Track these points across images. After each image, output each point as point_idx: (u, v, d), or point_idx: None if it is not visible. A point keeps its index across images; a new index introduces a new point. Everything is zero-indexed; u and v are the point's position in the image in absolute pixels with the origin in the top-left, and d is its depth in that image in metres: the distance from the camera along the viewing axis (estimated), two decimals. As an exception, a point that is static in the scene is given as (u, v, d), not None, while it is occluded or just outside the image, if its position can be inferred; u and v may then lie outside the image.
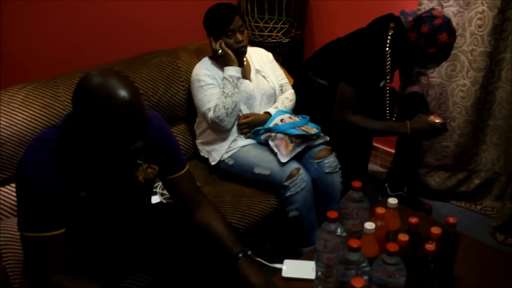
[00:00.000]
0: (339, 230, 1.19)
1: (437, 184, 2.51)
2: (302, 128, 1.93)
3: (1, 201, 1.61)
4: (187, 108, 2.13)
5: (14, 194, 1.32)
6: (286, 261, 1.42)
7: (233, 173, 1.96)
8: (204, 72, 1.93)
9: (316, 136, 1.94)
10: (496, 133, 2.33)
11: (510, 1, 2.06)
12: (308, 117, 2.01)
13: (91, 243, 1.30)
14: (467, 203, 2.49)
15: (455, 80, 2.30)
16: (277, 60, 2.29)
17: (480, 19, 2.12)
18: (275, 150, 1.86)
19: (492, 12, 2.07)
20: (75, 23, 2.23)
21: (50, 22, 2.15)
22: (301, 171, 1.82)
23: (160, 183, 1.81)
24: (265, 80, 2.06)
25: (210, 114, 1.89)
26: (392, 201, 1.33)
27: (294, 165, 1.83)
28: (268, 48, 2.26)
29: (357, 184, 1.31)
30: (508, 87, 2.21)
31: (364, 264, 1.10)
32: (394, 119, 2.12)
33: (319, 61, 2.18)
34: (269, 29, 2.71)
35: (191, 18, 2.36)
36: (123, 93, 1.04)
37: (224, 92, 1.89)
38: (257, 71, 2.07)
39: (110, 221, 1.30)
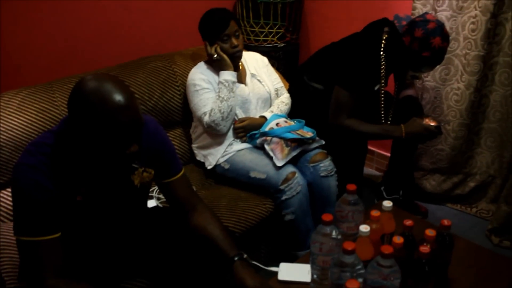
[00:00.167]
0: (334, 233, 1.20)
1: (433, 187, 2.52)
2: (298, 132, 1.94)
3: (-2, 206, 1.61)
4: (183, 113, 2.14)
5: (11, 199, 1.32)
6: (281, 264, 1.43)
7: (229, 177, 1.96)
8: (200, 76, 1.94)
9: (312, 140, 1.95)
10: (490, 136, 2.35)
11: (502, 5, 2.09)
12: (304, 121, 2.02)
13: (87, 247, 1.30)
14: (462, 206, 2.50)
15: (449, 84, 2.32)
16: (272, 64, 2.30)
17: (473, 23, 2.14)
18: (271, 154, 1.87)
19: (484, 16, 2.09)
20: (71, 29, 2.24)
21: (46, 27, 2.16)
22: (296, 174, 1.83)
23: (156, 187, 1.81)
24: (260, 84, 2.07)
25: (206, 118, 1.90)
26: (387, 204, 1.34)
27: (290, 168, 1.84)
28: (263, 53, 2.27)
29: (351, 187, 1.31)
30: (501, 90, 2.23)
31: (359, 267, 1.11)
32: (389, 122, 2.13)
33: (314, 66, 2.19)
34: (264, 33, 2.73)
35: (187, 23, 2.37)
36: (118, 97, 1.04)
37: (219, 96, 1.89)
38: (253, 75, 2.08)
39: (106, 225, 1.30)
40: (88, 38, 2.31)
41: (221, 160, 1.96)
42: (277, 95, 2.15)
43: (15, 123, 1.65)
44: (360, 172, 2.38)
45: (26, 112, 1.68)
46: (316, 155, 1.94)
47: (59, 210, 1.15)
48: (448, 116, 2.35)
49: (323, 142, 2.00)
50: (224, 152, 1.96)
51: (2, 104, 1.67)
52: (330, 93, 2.03)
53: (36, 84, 1.80)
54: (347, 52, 2.02)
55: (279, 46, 2.76)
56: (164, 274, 1.38)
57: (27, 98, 1.71)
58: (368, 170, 2.88)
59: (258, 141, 1.95)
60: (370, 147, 2.77)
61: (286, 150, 1.87)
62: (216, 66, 1.96)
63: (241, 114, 2.00)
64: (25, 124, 1.66)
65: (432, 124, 1.99)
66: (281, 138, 1.89)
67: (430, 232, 1.22)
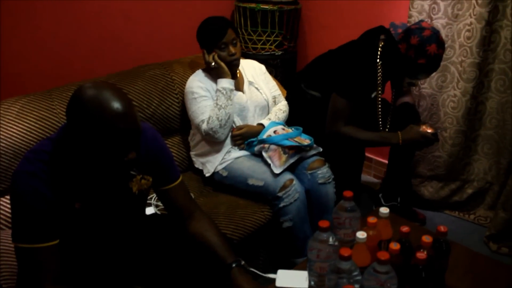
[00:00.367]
0: (331, 239, 1.21)
1: (430, 194, 2.53)
2: (295, 139, 1.95)
3: (-4, 214, 1.61)
4: (181, 120, 2.15)
5: (10, 206, 1.33)
6: (279, 271, 1.43)
7: (227, 184, 1.97)
8: (198, 84, 1.96)
9: (309, 147, 1.96)
10: (487, 143, 2.36)
11: (497, 13, 2.11)
12: (301, 128, 2.03)
13: (85, 254, 1.30)
14: (460, 212, 2.51)
15: (445, 91, 2.33)
16: (270, 72, 2.32)
17: (468, 30, 2.16)
18: (269, 161, 1.88)
19: (479, 24, 2.11)
20: (70, 37, 2.26)
21: (46, 36, 2.18)
22: (294, 182, 1.84)
23: (155, 195, 1.82)
24: (258, 92, 2.09)
25: (204, 126, 1.91)
26: (384, 210, 1.34)
27: (288, 176, 1.85)
28: (261, 61, 2.29)
29: (348, 193, 1.32)
30: (498, 97, 2.24)
31: (355, 273, 1.11)
32: (387, 129, 2.14)
33: (311, 73, 2.21)
34: (262, 41, 2.75)
35: (185, 31, 2.39)
36: (116, 105, 1.05)
37: (217, 104, 1.91)
38: (250, 83, 2.09)
39: (104, 232, 1.31)
40: (87, 46, 2.33)
41: (219, 167, 1.97)
42: (275, 103, 2.16)
43: (14, 130, 1.65)
44: (357, 179, 2.39)
45: (25, 120, 1.69)
46: (314, 162, 1.95)
47: (58, 217, 1.15)
48: (445, 123, 2.37)
49: (321, 149, 2.01)
50: (222, 159, 1.97)
51: (1, 111, 1.67)
52: (328, 100, 2.04)
53: (35, 92, 1.81)
54: (344, 59, 2.04)
55: (276, 54, 2.78)
56: (162, 281, 1.38)
57: (26, 106, 1.72)
58: (366, 177, 2.89)
59: (256, 148, 1.96)
60: (368, 154, 2.78)
61: (284, 157, 1.88)
62: (214, 74, 1.98)
63: (239, 122, 2.01)
64: (24, 131, 1.67)
65: (429, 131, 2.00)
66: (278, 145, 1.90)
67: (426, 239, 1.23)
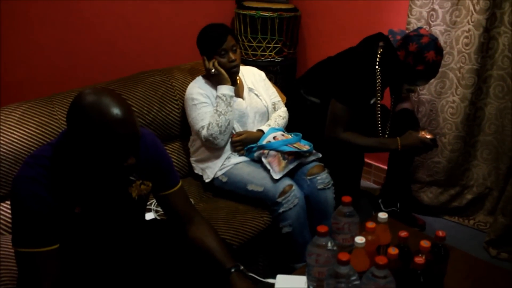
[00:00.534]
0: (329, 244, 1.21)
1: (430, 199, 2.53)
2: (295, 145, 1.96)
3: (-3, 219, 1.62)
4: (181, 126, 2.16)
5: (10, 211, 1.33)
6: (278, 276, 1.43)
7: (227, 190, 1.98)
8: (198, 90, 1.97)
9: (309, 153, 1.97)
10: (486, 149, 2.37)
11: (494, 20, 2.12)
12: (301, 134, 2.04)
13: (85, 259, 1.31)
14: (460, 218, 2.51)
15: (444, 97, 2.35)
16: (270, 79, 2.33)
17: (466, 37, 2.18)
18: (268, 167, 1.89)
19: (477, 30, 2.12)
20: (71, 44, 2.27)
21: (47, 43, 2.19)
22: (293, 187, 1.84)
23: (155, 200, 1.82)
24: (258, 98, 2.10)
25: (204, 132, 1.92)
26: (382, 215, 1.34)
27: (287, 181, 1.86)
28: (261, 67, 2.30)
29: (347, 199, 1.33)
30: (496, 103, 2.25)
31: (354, 278, 1.12)
32: (386, 135, 2.15)
33: (311, 80, 2.22)
34: (262, 48, 2.76)
35: (185, 38, 2.41)
36: (115, 111, 1.06)
37: (217, 110, 1.92)
38: (250, 89, 2.10)
39: (104, 237, 1.31)
40: (88, 53, 2.34)
41: (219, 173, 1.98)
42: (275, 109, 2.17)
43: (15, 136, 1.66)
44: (357, 184, 2.40)
45: (26, 126, 1.70)
46: (313, 168, 1.96)
47: (58, 222, 1.16)
48: (444, 129, 2.38)
49: (320, 155, 2.02)
50: (222, 165, 1.98)
51: (2, 117, 1.69)
52: (327, 106, 2.05)
53: (36, 98, 1.82)
54: (343, 66, 2.05)
55: (276, 60, 2.80)
56: (161, 286, 1.38)
57: (27, 112, 1.74)
58: (366, 183, 2.89)
59: (256, 154, 1.96)
60: (367, 160, 2.78)
61: (283, 163, 1.88)
62: (214, 80, 1.99)
63: (238, 128, 2.02)
64: (25, 137, 1.68)
65: (428, 136, 2.01)
66: (278, 151, 1.91)
67: (425, 243, 1.23)
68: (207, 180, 2.01)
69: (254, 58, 2.79)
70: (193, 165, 2.10)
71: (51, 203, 1.13)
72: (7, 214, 1.62)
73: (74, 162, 1.15)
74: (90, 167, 1.13)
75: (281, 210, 1.82)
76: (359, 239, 1.21)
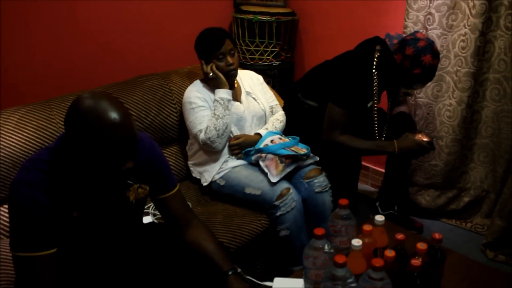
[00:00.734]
0: (326, 247, 1.21)
1: (427, 202, 2.54)
2: (292, 148, 1.96)
3: (-5, 223, 1.62)
4: (179, 130, 2.16)
5: (8, 215, 1.34)
6: (276, 279, 1.44)
7: (224, 193, 1.98)
8: (196, 94, 1.97)
9: (306, 156, 1.97)
10: (483, 151, 2.38)
11: (490, 24, 2.14)
12: (298, 138, 2.04)
13: (83, 262, 1.31)
14: (457, 221, 2.51)
15: (441, 100, 2.36)
16: (268, 82, 2.34)
17: (463, 41, 2.19)
18: (266, 170, 1.89)
19: (474, 34, 2.14)
20: (69, 48, 2.28)
21: (45, 47, 2.20)
22: (291, 190, 1.85)
23: (153, 204, 1.82)
24: (255, 102, 2.11)
25: (202, 136, 1.92)
26: (379, 218, 1.35)
27: (284, 185, 1.86)
28: (259, 71, 2.31)
29: (343, 201, 1.33)
30: (493, 106, 2.26)
31: (350, 280, 1.12)
32: (383, 139, 2.15)
33: (308, 83, 2.23)
34: (259, 52, 2.78)
35: (183, 42, 2.41)
36: (113, 115, 1.07)
37: (215, 114, 1.92)
38: (248, 93, 2.11)
39: (102, 240, 1.31)
40: (86, 57, 2.35)
41: (217, 176, 1.98)
42: (272, 113, 2.18)
43: (14, 140, 1.67)
44: (354, 187, 2.40)
45: (24, 129, 1.70)
46: (311, 171, 1.96)
47: (55, 226, 1.16)
48: (441, 132, 2.39)
49: (317, 159, 2.02)
50: (219, 168, 1.98)
51: (1, 121, 1.69)
52: (324, 110, 2.06)
53: (34, 102, 1.82)
54: (340, 70, 2.06)
55: (274, 64, 2.81)
56: (159, 290, 1.38)
57: (26, 116, 1.74)
58: (363, 186, 2.90)
59: (253, 157, 1.97)
60: (365, 163, 2.79)
61: (281, 166, 1.89)
62: (211, 84, 2.00)
63: (236, 132, 2.03)
64: (23, 141, 1.68)
65: (425, 139, 2.02)
66: (275, 154, 1.92)
67: (421, 246, 1.24)
68: (204, 184, 2.02)
69: (252, 62, 2.80)
70: (191, 168, 2.11)
71: (49, 207, 1.13)
72: (5, 218, 1.62)
73: (72, 166, 1.15)
74: (88, 171, 1.14)
75: (278, 214, 1.83)
76: (356, 242, 1.22)
